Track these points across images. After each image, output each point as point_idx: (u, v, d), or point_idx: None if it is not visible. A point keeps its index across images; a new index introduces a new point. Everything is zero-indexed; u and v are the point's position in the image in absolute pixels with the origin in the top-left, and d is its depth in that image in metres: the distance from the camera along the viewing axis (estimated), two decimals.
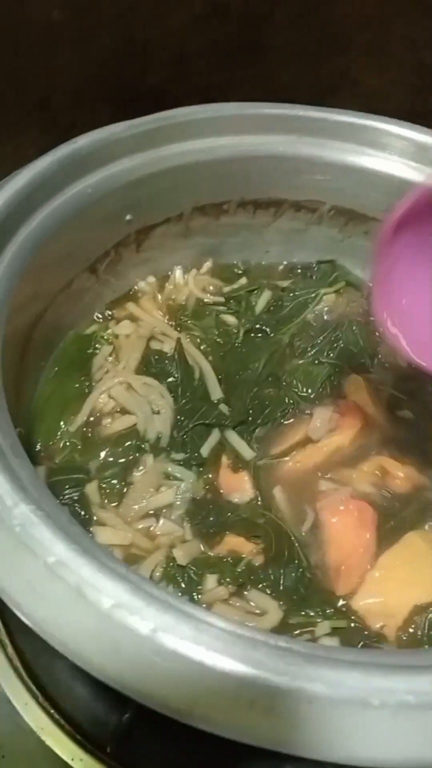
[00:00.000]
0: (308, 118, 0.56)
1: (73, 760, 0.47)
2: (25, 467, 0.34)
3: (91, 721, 0.48)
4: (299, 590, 0.43)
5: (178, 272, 0.61)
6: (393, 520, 0.46)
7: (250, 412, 0.52)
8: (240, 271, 0.63)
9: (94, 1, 0.70)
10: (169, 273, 0.61)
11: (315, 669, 0.27)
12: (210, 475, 0.49)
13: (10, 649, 0.51)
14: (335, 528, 0.45)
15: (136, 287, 0.59)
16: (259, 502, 0.48)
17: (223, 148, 0.55)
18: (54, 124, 0.64)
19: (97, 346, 0.55)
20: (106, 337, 0.55)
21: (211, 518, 0.46)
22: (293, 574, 0.43)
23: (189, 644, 0.27)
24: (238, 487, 0.48)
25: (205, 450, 0.49)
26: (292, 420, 0.53)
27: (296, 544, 0.44)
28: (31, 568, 0.29)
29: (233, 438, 0.51)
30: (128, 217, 0.54)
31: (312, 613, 0.42)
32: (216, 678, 0.27)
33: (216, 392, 0.52)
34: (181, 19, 0.74)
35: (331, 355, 0.56)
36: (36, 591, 0.29)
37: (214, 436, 0.50)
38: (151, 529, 0.46)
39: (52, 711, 0.48)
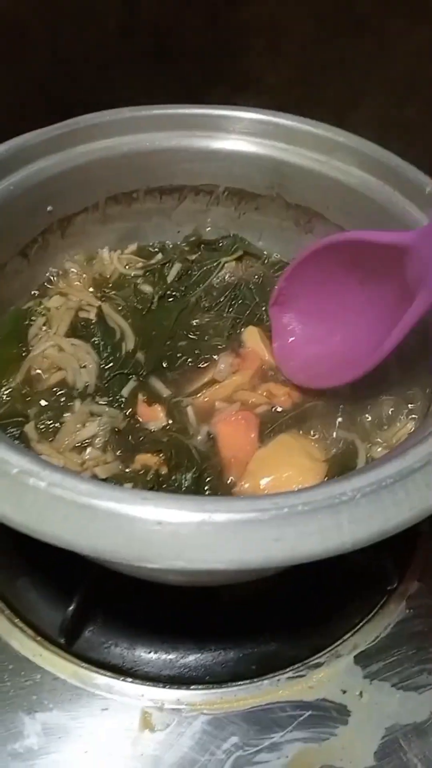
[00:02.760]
0: (193, 115, 0.67)
1: (34, 656, 0.57)
2: None
3: (46, 622, 0.58)
4: (198, 489, 0.53)
5: (105, 253, 0.71)
6: (273, 425, 0.57)
7: (164, 363, 0.63)
8: (156, 250, 0.73)
9: (21, 25, 0.81)
10: (97, 253, 0.71)
11: (163, 501, 0.37)
12: (130, 410, 0.59)
13: None
14: (225, 432, 0.57)
15: (64, 267, 0.69)
16: (170, 427, 0.58)
17: (124, 146, 0.66)
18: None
19: (32, 318, 0.65)
20: (40, 311, 0.65)
21: (129, 444, 0.57)
22: (191, 477, 0.53)
23: (72, 494, 0.37)
24: (154, 417, 0.59)
25: (125, 391, 0.60)
26: (200, 366, 0.63)
27: (194, 453, 0.54)
28: None
29: (151, 380, 0.61)
30: (49, 208, 0.64)
31: None
32: (92, 514, 0.37)
33: (131, 345, 0.62)
34: (98, 36, 0.84)
35: (231, 310, 0.67)
36: None
37: (133, 380, 0.61)
38: (80, 455, 0.56)
39: (15, 620, 0.58)
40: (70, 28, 0.82)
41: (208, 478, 0.54)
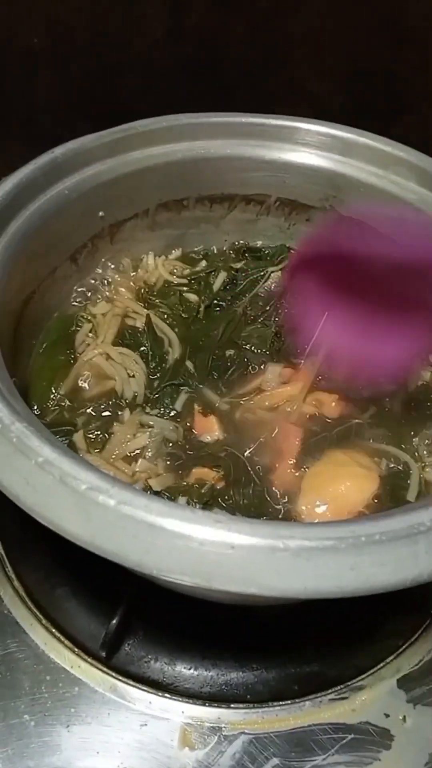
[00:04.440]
0: (249, 123, 0.66)
1: (72, 667, 0.56)
2: (18, 401, 0.43)
3: (85, 634, 0.57)
4: (254, 506, 0.52)
5: (150, 258, 0.71)
6: (317, 437, 0.57)
7: (214, 373, 0.62)
8: (200, 257, 0.72)
9: (68, 30, 0.80)
10: (142, 259, 0.70)
11: (236, 525, 0.36)
12: (186, 423, 0.58)
13: (16, 582, 0.60)
14: (267, 444, 0.56)
15: (111, 273, 0.69)
16: (225, 441, 0.57)
17: (179, 152, 0.65)
18: (40, 140, 0.72)
19: (79, 324, 0.64)
20: (86, 317, 0.65)
21: (182, 456, 0.56)
22: (249, 493, 0.53)
23: (143, 513, 0.36)
24: (209, 429, 0.58)
25: (179, 404, 0.59)
26: (249, 375, 0.62)
27: (250, 470, 0.54)
28: (25, 468, 0.38)
29: (203, 391, 0.60)
30: (101, 213, 0.64)
31: None
32: (162, 534, 0.36)
33: (178, 355, 0.62)
34: (145, 43, 0.84)
35: (277, 319, 0.65)
36: (29, 484, 0.38)
37: (185, 391, 0.60)
38: (131, 466, 0.55)
39: (53, 629, 0.57)
40: (116, 35, 0.82)
41: (265, 494, 0.53)
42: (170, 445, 0.56)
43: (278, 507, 0.53)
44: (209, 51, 0.86)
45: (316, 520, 0.51)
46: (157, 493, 0.53)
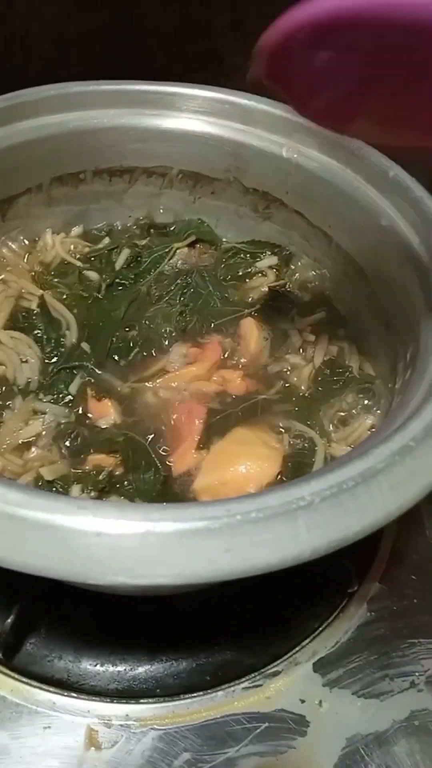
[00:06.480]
0: (144, 92, 0.63)
1: None
2: None
3: None
4: (155, 490, 0.50)
5: (47, 236, 0.67)
6: (221, 415, 0.55)
7: (115, 356, 0.59)
8: (104, 234, 0.69)
9: None
10: (37, 238, 0.67)
11: (102, 510, 0.33)
12: (80, 409, 0.55)
13: None
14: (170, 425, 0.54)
15: (6, 252, 0.65)
16: (124, 425, 0.54)
17: (71, 122, 0.61)
18: None
19: None
20: None
21: (78, 443, 0.52)
22: (150, 477, 0.50)
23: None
24: (106, 413, 0.55)
25: (73, 387, 0.56)
26: (153, 357, 0.59)
27: (151, 453, 0.51)
28: None
29: (100, 374, 0.57)
30: None
31: None
32: (24, 525, 0.33)
33: (75, 337, 0.58)
34: (54, 12, 0.80)
35: (183, 299, 0.63)
36: None
37: (81, 375, 0.57)
38: (23, 456, 0.52)
39: None
40: (26, 2, 0.77)
41: (166, 477, 0.51)
42: (66, 432, 0.53)
43: (179, 491, 0.51)
44: (123, 20, 0.82)
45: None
46: (50, 483, 0.50)
